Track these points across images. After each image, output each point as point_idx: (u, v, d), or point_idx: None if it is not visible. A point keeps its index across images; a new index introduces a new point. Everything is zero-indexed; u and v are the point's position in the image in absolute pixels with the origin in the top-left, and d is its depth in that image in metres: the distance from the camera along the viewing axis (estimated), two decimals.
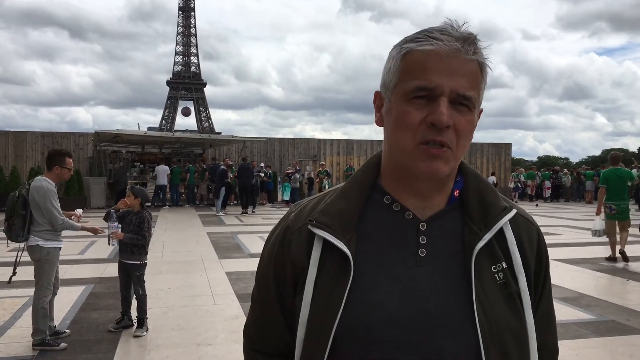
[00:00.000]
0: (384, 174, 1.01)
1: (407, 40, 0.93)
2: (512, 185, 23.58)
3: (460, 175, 1.01)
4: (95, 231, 5.04)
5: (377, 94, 1.00)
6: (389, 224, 0.97)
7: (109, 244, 5.07)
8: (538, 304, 1.01)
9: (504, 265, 0.95)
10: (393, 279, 0.92)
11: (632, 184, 10.11)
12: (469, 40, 0.89)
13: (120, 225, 4.98)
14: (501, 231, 0.96)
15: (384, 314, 0.90)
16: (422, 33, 0.91)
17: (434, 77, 0.87)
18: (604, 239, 9.11)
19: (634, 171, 22.51)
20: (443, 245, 0.95)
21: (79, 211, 5.13)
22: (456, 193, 0.99)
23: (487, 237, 0.94)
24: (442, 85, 0.87)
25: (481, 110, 0.98)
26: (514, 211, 0.99)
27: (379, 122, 0.99)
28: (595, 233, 8.89)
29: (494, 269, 0.94)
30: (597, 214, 9.06)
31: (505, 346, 0.90)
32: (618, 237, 8.82)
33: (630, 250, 8.96)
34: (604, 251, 9.84)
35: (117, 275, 5.22)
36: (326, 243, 0.95)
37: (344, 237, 0.94)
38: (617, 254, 8.70)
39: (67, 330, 4.90)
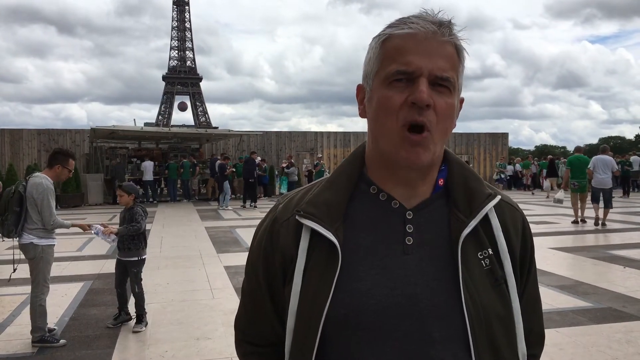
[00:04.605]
0: (369, 164, 1.02)
1: (385, 28, 0.95)
2: (495, 176, 23.51)
3: (445, 164, 1.02)
4: (84, 228, 5.01)
5: (359, 87, 1.02)
6: (376, 214, 0.97)
7: (110, 242, 5.00)
8: (524, 289, 1.03)
9: (490, 252, 0.96)
10: (381, 268, 0.93)
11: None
12: (445, 24, 0.91)
13: (100, 226, 4.92)
14: (486, 217, 0.97)
15: (372, 302, 0.91)
16: (400, 20, 0.94)
17: (413, 59, 0.89)
18: (568, 208, 13.14)
19: (634, 158, 22.62)
20: (429, 233, 0.96)
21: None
22: (441, 182, 1.00)
23: (473, 224, 0.95)
24: (421, 66, 0.89)
25: (462, 99, 0.99)
26: (499, 197, 1.00)
27: (362, 114, 1.01)
28: (557, 201, 12.62)
29: (480, 255, 0.95)
30: (563, 188, 12.68)
31: (492, 331, 0.92)
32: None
33: (629, 237, 10.27)
34: (603, 239, 9.98)
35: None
36: (314, 233, 0.96)
37: (331, 226, 0.94)
38: (579, 219, 11.95)
39: (55, 327, 4.88)
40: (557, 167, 22.64)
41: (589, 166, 11.64)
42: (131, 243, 5.00)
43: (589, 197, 11.92)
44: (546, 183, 21.12)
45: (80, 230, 5.07)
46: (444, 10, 0.92)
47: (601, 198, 11.57)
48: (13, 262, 4.67)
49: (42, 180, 4.60)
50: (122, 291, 5.13)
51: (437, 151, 0.95)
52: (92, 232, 4.91)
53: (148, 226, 5.24)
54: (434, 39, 0.90)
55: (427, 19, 0.91)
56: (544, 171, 25.43)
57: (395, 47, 0.91)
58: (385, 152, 0.95)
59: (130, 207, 5.10)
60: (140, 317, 4.98)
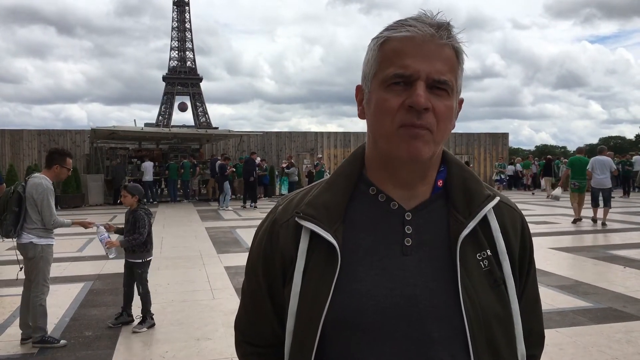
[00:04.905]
0: (368, 165, 1.02)
1: (383, 30, 0.95)
2: (495, 177, 23.47)
3: (444, 165, 1.02)
4: (85, 225, 5.01)
5: (358, 87, 1.02)
6: (375, 215, 0.98)
7: (108, 257, 5.02)
8: (523, 289, 1.03)
9: (489, 253, 0.96)
10: (380, 269, 0.93)
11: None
12: (443, 27, 0.91)
13: (107, 234, 4.92)
14: (485, 219, 0.97)
15: (372, 303, 0.91)
16: (398, 22, 0.93)
17: (410, 62, 0.89)
18: (561, 203, 14.50)
19: (637, 157, 22.64)
20: (428, 234, 0.96)
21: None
22: (440, 183, 1.00)
23: (472, 225, 0.95)
24: (419, 70, 0.89)
25: (462, 100, 0.99)
26: (497, 198, 1.00)
27: (361, 115, 1.01)
28: (554, 197, 13.73)
29: (479, 256, 0.95)
30: (561, 186, 13.33)
31: (491, 332, 0.92)
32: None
33: (629, 237, 10.35)
34: (603, 239, 9.98)
35: (116, 272, 5.22)
36: (313, 234, 0.96)
37: (330, 228, 0.95)
38: (579, 217, 12.22)
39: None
40: (555, 167, 22.73)
41: (587, 167, 12.00)
42: (135, 246, 5.00)
43: (587, 197, 12.23)
44: (542, 182, 21.39)
45: (82, 230, 5.08)
46: (443, 11, 0.92)
47: (600, 198, 11.85)
48: (18, 261, 4.67)
49: (42, 180, 4.61)
50: (129, 290, 5.13)
51: (437, 151, 0.95)
52: (99, 237, 4.91)
53: None
54: (432, 42, 0.90)
55: (425, 21, 0.91)
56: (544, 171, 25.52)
57: (393, 50, 0.91)
58: (385, 152, 0.95)
59: (135, 209, 5.09)
60: (144, 319, 4.98)
